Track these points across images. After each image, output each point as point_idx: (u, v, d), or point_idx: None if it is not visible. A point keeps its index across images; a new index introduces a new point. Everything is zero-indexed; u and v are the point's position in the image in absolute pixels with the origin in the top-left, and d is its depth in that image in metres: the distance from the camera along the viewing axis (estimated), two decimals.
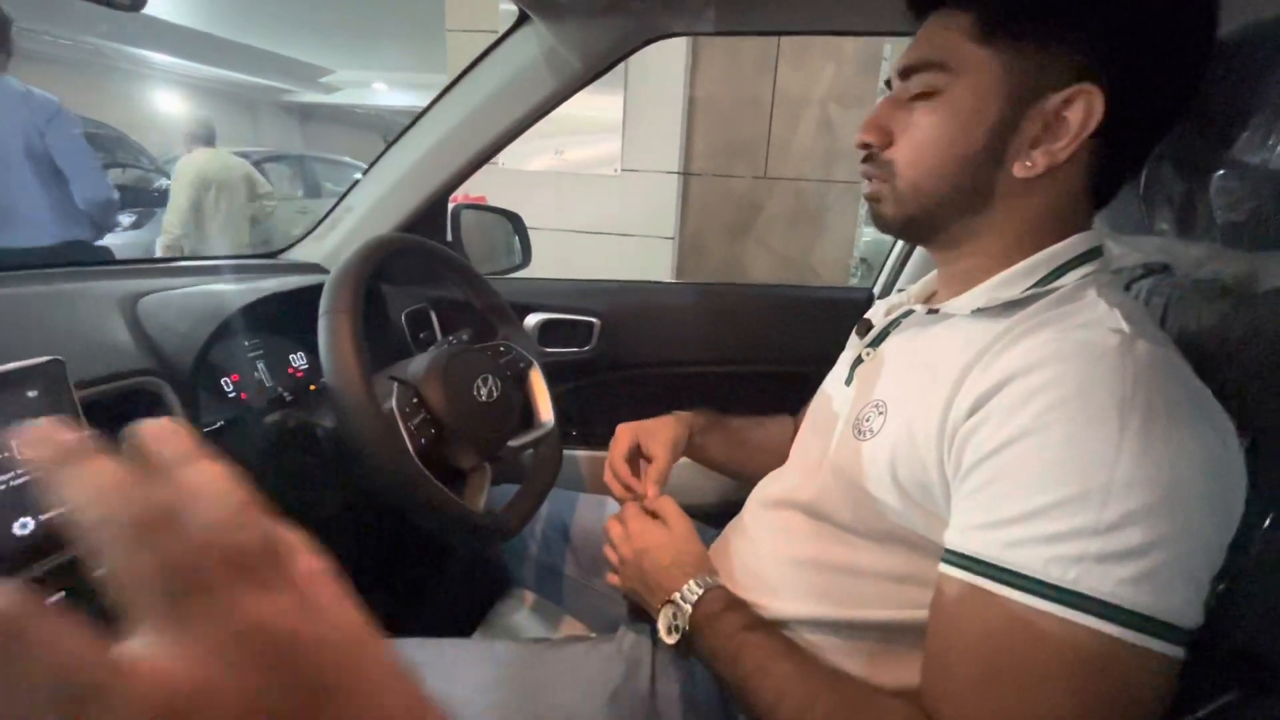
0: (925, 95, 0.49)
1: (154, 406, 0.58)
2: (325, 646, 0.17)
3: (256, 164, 5.73)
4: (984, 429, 0.41)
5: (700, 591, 0.57)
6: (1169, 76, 0.46)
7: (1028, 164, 0.47)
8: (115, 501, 0.16)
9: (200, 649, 0.15)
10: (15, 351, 0.49)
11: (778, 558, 0.58)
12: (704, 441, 0.82)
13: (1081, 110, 0.45)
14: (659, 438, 0.76)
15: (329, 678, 0.17)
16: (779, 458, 0.70)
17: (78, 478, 0.16)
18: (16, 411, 0.46)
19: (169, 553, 0.16)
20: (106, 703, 0.14)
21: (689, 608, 0.56)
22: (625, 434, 0.78)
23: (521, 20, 0.88)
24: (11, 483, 0.45)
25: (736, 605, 0.56)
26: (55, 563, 0.47)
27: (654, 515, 0.67)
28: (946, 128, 0.49)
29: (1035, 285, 0.48)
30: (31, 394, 0.47)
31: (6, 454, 0.45)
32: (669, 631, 0.57)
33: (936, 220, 0.52)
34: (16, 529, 0.45)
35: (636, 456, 0.78)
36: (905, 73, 0.51)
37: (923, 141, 0.50)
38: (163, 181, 4.68)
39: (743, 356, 1.25)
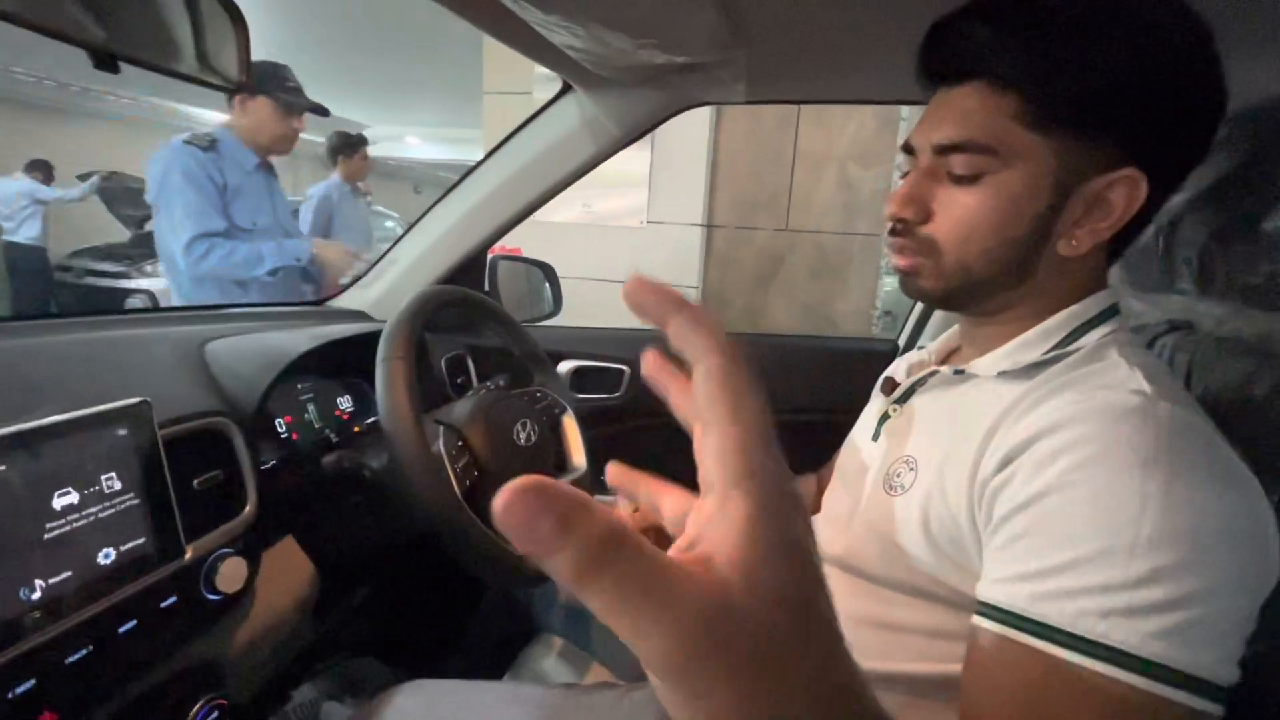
0: (971, 177, 0.49)
1: (221, 445, 0.62)
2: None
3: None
4: (1012, 484, 0.43)
5: None
6: (1195, 155, 0.48)
7: (1073, 242, 0.49)
8: None
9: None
10: (100, 389, 0.53)
11: None
12: None
13: (1124, 193, 0.46)
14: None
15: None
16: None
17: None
18: (107, 448, 0.50)
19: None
20: None
21: None
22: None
23: (565, 90, 0.95)
24: (99, 515, 0.49)
25: None
26: (132, 591, 0.50)
27: None
28: (996, 212, 0.48)
29: (1056, 347, 0.49)
30: (121, 432, 0.51)
31: (96, 488, 0.49)
32: None
33: (978, 293, 0.52)
34: (100, 558, 0.49)
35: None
36: (946, 150, 0.49)
37: (970, 222, 0.49)
38: None
39: (770, 405, 1.27)
